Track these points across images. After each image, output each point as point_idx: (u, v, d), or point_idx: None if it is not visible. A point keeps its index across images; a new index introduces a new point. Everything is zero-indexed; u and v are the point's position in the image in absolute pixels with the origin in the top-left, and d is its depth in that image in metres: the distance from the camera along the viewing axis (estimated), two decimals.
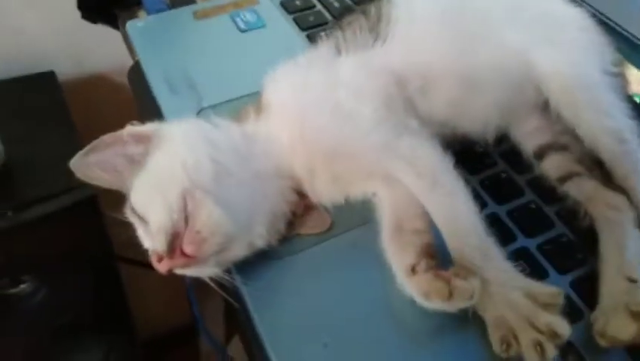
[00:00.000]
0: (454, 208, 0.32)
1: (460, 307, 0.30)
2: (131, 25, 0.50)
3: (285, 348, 0.30)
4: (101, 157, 0.34)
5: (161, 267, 0.30)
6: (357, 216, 0.36)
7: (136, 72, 0.49)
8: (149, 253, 0.32)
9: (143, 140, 0.34)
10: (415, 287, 0.31)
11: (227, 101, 0.43)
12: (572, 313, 0.31)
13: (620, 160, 0.35)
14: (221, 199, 0.31)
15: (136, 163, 0.34)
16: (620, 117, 0.36)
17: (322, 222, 0.36)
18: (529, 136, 0.39)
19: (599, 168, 0.37)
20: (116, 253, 0.65)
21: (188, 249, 0.30)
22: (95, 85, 0.78)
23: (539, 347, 0.28)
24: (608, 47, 0.39)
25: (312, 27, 0.50)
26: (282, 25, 0.51)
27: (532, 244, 0.35)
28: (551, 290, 0.30)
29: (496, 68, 0.37)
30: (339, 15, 0.48)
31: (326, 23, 0.51)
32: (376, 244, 0.33)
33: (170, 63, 0.46)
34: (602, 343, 0.30)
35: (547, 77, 0.37)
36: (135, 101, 0.50)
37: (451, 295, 0.30)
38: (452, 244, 0.32)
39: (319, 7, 0.53)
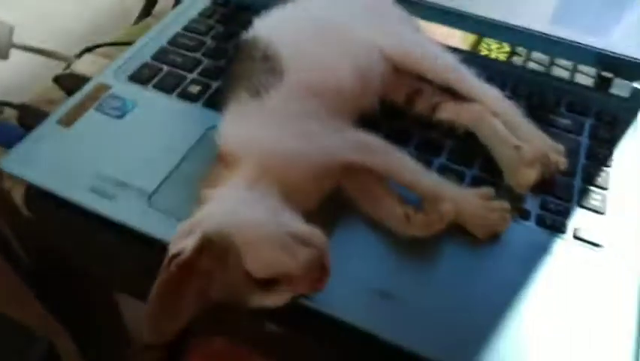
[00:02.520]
0: (407, 162, 0.44)
1: (447, 223, 0.42)
2: (6, 162, 0.48)
3: None
4: (163, 310, 0.35)
5: (323, 284, 0.36)
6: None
7: (37, 201, 0.48)
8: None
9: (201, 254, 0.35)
10: (417, 227, 0.42)
11: (166, 179, 0.46)
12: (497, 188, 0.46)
13: (461, 82, 0.51)
14: None
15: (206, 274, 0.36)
16: (445, 56, 0.52)
17: None
18: (397, 92, 0.52)
19: (451, 94, 0.52)
20: None
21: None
22: None
23: (505, 217, 0.43)
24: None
25: (175, 86, 0.55)
26: (149, 96, 0.54)
27: (441, 161, 0.49)
28: (486, 190, 0.44)
29: (368, 58, 0.49)
30: (220, 71, 0.55)
31: (184, 77, 0.56)
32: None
33: (81, 176, 0.46)
34: (521, 190, 0.46)
35: (394, 52, 0.50)
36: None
37: (441, 220, 0.42)
38: (418, 189, 0.43)
39: (166, 67, 0.57)
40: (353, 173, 0.44)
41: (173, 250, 0.35)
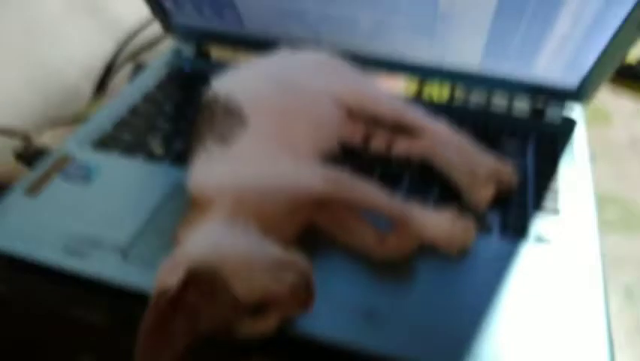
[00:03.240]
0: (373, 190, 0.46)
1: (418, 242, 0.44)
2: None
3: None
4: (154, 347, 0.35)
5: (310, 304, 0.37)
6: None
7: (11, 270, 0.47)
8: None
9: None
10: (391, 249, 0.44)
11: (137, 234, 0.47)
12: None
13: (411, 118, 0.55)
14: None
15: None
16: (395, 97, 0.56)
17: None
18: (353, 135, 0.56)
19: (402, 131, 0.56)
20: None
21: None
22: None
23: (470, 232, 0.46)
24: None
25: (139, 149, 0.56)
26: (114, 161, 0.55)
27: (403, 191, 0.52)
28: (451, 210, 0.47)
29: (323, 104, 0.52)
30: (182, 132, 0.57)
31: (147, 141, 0.57)
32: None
33: (53, 239, 0.46)
34: (481, 207, 0.49)
35: (349, 97, 0.54)
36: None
37: (412, 239, 0.44)
38: (388, 213, 0.46)
39: (128, 134, 0.59)
40: (325, 206, 0.46)
41: (158, 287, 0.35)
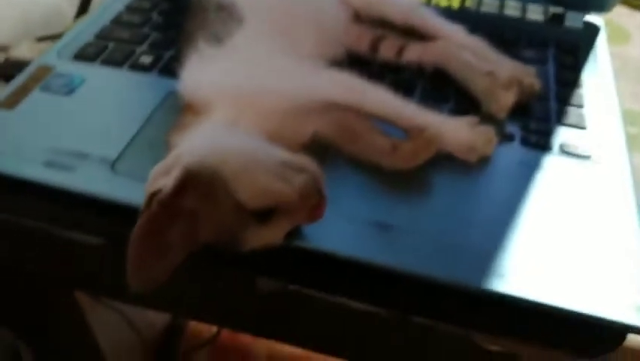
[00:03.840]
0: (388, 96, 0.42)
1: (434, 150, 0.40)
2: None
3: None
4: (149, 253, 0.32)
5: (323, 210, 0.33)
6: None
7: None
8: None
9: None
10: (405, 157, 0.40)
11: (126, 147, 0.43)
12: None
13: (424, 20, 0.50)
14: None
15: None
16: (403, 2, 0.51)
17: None
18: (360, 41, 0.51)
19: (414, 35, 0.51)
20: None
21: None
22: None
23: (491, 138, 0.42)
24: None
25: (126, 59, 0.51)
26: (98, 71, 0.50)
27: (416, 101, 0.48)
28: (470, 117, 0.43)
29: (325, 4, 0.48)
30: (172, 41, 0.51)
31: (133, 52, 0.52)
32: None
33: (35, 153, 0.42)
34: (501, 114, 0.45)
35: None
36: None
37: (429, 146, 0.40)
38: (403, 122, 0.41)
39: (112, 44, 0.53)
40: (330, 111, 0.42)
41: (151, 189, 0.32)
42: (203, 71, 0.40)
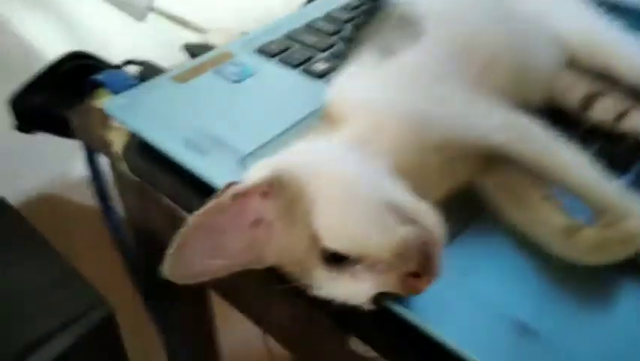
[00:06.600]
0: (577, 159, 0.32)
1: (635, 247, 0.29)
2: (111, 104, 0.44)
3: None
4: (199, 246, 0.27)
5: (424, 285, 0.25)
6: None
7: (133, 151, 0.43)
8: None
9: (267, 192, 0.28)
10: (587, 247, 0.29)
11: (263, 145, 0.40)
12: None
13: None
14: None
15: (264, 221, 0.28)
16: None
17: None
18: (571, 93, 0.41)
19: None
20: None
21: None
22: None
23: None
24: None
25: (303, 62, 0.49)
26: (271, 68, 0.49)
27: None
28: None
29: (535, 37, 0.39)
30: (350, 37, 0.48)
31: (311, 57, 0.50)
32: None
33: (180, 128, 0.41)
34: None
35: (576, 38, 0.40)
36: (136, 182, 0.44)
37: (626, 241, 0.29)
38: (591, 197, 0.31)
39: (297, 45, 0.52)
40: (497, 164, 0.33)
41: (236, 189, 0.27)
42: (354, 81, 0.35)
